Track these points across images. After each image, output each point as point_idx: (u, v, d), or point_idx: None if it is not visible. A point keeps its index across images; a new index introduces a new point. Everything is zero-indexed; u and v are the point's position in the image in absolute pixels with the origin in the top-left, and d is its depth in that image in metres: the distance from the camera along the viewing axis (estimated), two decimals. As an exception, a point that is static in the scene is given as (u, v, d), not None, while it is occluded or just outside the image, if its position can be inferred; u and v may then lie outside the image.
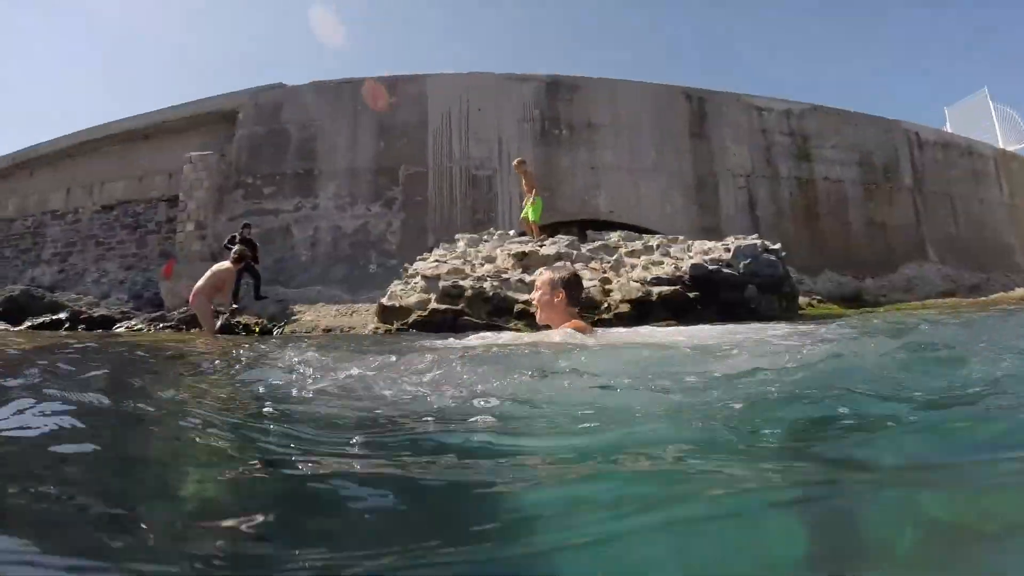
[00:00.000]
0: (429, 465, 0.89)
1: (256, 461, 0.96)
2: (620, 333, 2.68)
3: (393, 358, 1.84)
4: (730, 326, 3.38)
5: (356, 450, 0.96)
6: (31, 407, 1.29)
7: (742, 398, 1.13)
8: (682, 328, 3.57)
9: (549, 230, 9.80)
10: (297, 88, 10.92)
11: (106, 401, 1.43)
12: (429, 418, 1.11)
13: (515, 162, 8.57)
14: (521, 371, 1.51)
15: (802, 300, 8.68)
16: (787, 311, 7.01)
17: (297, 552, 0.60)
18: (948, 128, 25.49)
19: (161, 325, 8.66)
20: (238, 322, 7.19)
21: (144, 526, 0.72)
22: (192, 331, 8.02)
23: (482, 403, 1.17)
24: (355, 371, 1.63)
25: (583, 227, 9.94)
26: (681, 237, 8.91)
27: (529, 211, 8.22)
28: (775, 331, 2.76)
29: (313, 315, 9.27)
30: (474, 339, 2.47)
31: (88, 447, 1.05)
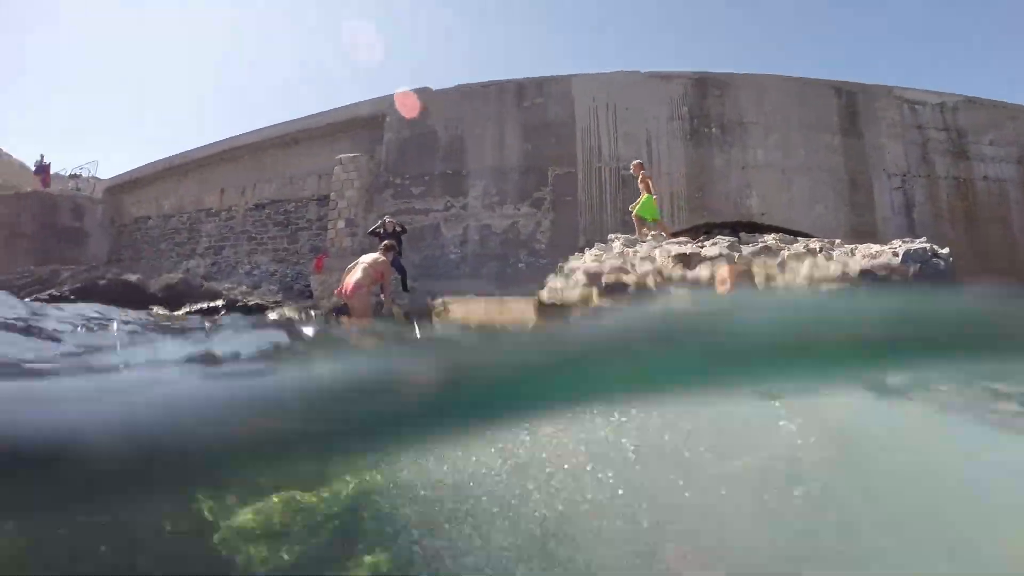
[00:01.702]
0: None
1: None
2: None
3: None
4: None
5: None
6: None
7: None
8: None
9: (700, 231, 9.65)
10: (442, 91, 11.31)
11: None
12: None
13: (633, 164, 8.62)
14: None
15: (964, 312, 8.05)
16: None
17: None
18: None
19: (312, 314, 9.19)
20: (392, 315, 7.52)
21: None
22: (341, 319, 8.45)
23: None
24: None
25: (734, 230, 9.68)
26: (838, 240, 8.52)
27: (640, 208, 8.03)
28: None
29: (462, 309, 9.58)
30: None
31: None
